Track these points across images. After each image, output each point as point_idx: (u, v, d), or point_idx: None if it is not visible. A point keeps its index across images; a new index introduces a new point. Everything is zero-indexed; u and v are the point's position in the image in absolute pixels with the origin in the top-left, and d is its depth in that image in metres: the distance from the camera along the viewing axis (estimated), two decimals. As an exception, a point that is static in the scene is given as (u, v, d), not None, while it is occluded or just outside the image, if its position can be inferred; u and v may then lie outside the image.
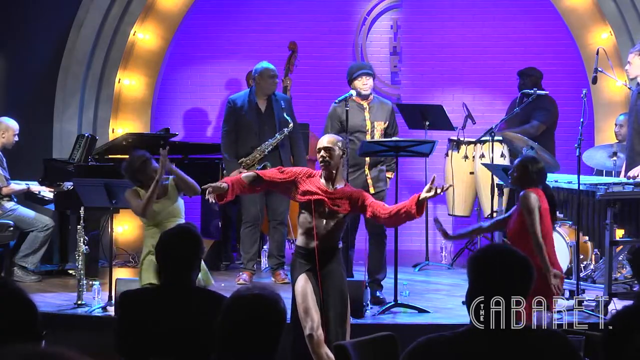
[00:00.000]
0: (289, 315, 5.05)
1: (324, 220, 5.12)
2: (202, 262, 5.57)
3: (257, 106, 7.73)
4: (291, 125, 7.64)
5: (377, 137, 6.91)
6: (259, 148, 7.63)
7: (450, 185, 5.41)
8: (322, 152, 5.15)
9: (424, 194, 5.05)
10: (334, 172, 5.17)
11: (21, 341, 2.58)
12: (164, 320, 3.79)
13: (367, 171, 6.91)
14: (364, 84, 6.93)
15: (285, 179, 5.22)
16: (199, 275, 4.63)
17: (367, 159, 6.91)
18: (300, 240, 5.21)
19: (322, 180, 5.18)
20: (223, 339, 2.86)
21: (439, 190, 5.06)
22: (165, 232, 4.04)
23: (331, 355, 4.82)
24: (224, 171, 7.86)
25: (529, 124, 8.35)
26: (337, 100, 6.90)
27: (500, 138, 8.05)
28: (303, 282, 5.07)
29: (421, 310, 6.50)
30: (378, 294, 6.77)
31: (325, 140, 5.22)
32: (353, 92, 6.87)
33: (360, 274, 7.08)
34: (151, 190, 5.65)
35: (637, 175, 6.71)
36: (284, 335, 2.92)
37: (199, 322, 3.71)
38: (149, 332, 3.78)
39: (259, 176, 5.25)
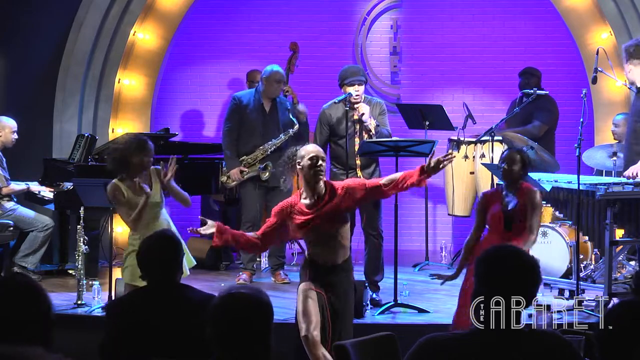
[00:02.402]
0: (288, 316, 5.10)
1: (326, 237, 5.02)
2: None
3: (262, 106, 7.73)
4: (296, 126, 7.65)
5: (365, 137, 6.83)
6: (261, 147, 7.63)
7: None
8: (321, 162, 4.99)
9: (429, 165, 5.00)
10: (318, 182, 5.01)
11: (33, 335, 2.61)
12: (153, 323, 3.83)
13: (359, 173, 6.84)
14: (355, 90, 6.77)
15: (276, 223, 5.05)
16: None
17: (358, 161, 6.85)
18: (308, 252, 5.17)
19: (305, 201, 5.01)
20: (216, 341, 2.87)
21: (444, 162, 5.01)
22: (144, 240, 4.13)
23: (328, 356, 4.81)
24: (224, 169, 7.86)
25: (530, 124, 8.34)
26: (336, 100, 6.88)
27: (500, 138, 8.05)
28: (305, 287, 5.05)
29: (421, 310, 6.50)
30: (375, 295, 6.73)
31: (320, 150, 5.06)
32: (353, 91, 6.81)
33: (359, 274, 7.08)
34: (141, 206, 5.57)
35: (635, 175, 6.72)
36: (279, 335, 2.94)
37: (189, 323, 3.77)
38: (140, 335, 3.81)
39: (260, 237, 5.11)
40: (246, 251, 5.12)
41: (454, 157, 5.29)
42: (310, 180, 4.99)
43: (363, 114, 6.75)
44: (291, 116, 7.65)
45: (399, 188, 5.09)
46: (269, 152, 7.63)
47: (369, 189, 5.07)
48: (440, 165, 5.01)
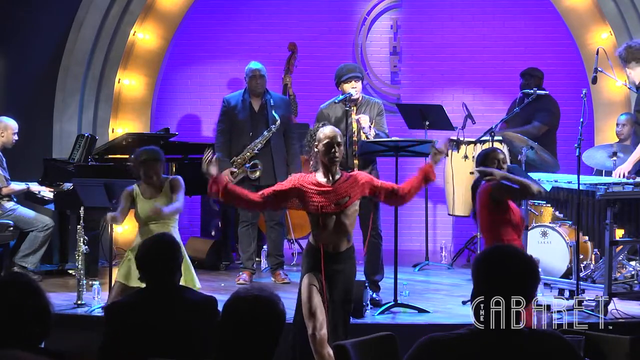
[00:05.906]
0: (291, 315, 5.09)
1: (334, 219, 5.02)
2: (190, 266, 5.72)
3: (250, 105, 7.76)
4: (278, 122, 7.63)
5: (364, 138, 6.81)
6: (249, 146, 7.64)
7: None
8: (336, 147, 5.01)
9: (431, 159, 5.19)
10: (334, 165, 5.06)
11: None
12: (152, 323, 3.84)
13: None
14: (352, 87, 6.74)
15: (285, 190, 5.06)
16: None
17: (356, 161, 6.83)
18: (311, 237, 5.15)
19: (321, 178, 5.06)
20: (222, 341, 2.86)
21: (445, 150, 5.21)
22: (143, 242, 4.20)
23: (333, 355, 4.80)
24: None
25: (530, 124, 8.34)
26: (336, 100, 6.86)
27: (500, 138, 8.05)
28: (308, 281, 5.03)
29: (421, 310, 6.50)
30: (375, 295, 6.71)
31: (338, 135, 5.06)
32: (353, 90, 6.79)
33: (359, 273, 7.07)
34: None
35: (623, 175, 6.75)
36: (285, 334, 2.92)
37: (187, 324, 3.80)
38: (139, 336, 3.82)
39: (263, 198, 5.10)
40: (245, 208, 5.46)
41: (453, 141, 5.37)
42: (327, 163, 5.04)
43: (364, 127, 6.71)
44: (274, 112, 7.65)
45: (412, 186, 5.16)
46: (256, 151, 7.63)
47: (379, 186, 5.13)
48: (445, 150, 5.23)
